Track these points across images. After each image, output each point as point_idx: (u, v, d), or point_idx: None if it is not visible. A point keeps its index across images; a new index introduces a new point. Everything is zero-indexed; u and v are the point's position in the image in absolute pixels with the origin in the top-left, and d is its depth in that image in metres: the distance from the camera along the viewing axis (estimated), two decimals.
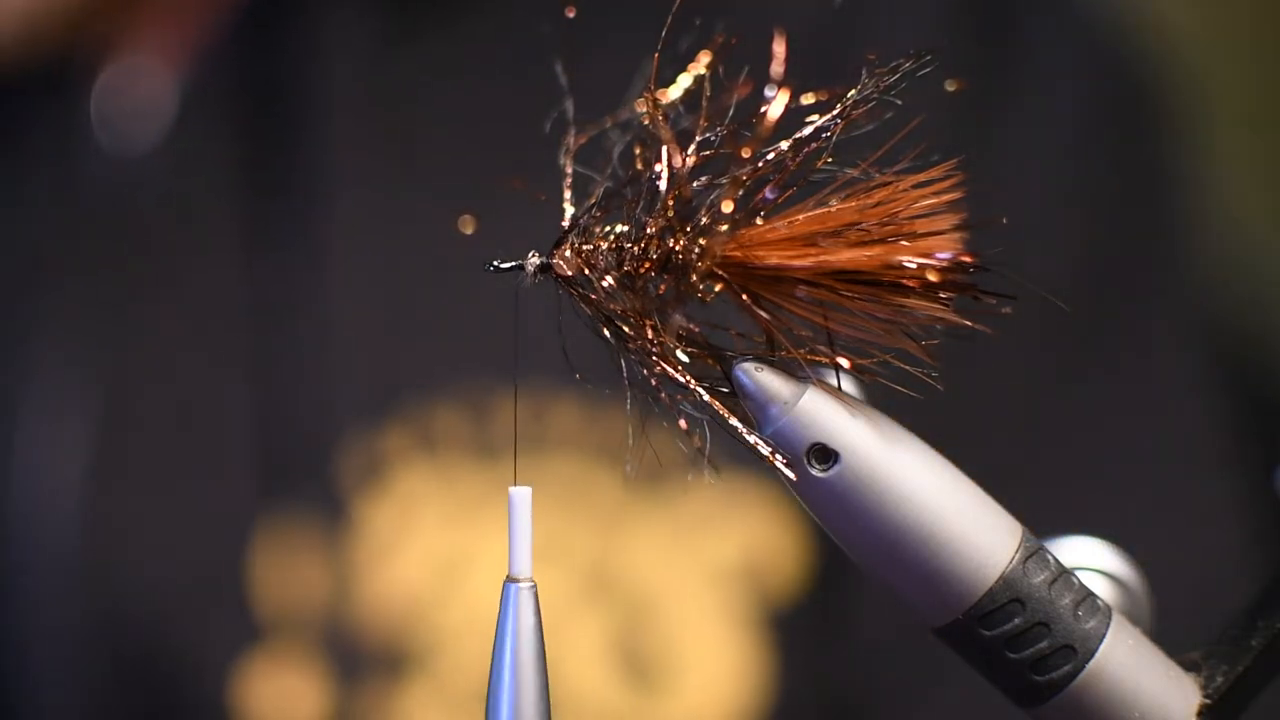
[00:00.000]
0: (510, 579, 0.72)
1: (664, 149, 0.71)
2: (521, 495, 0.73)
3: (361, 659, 1.38)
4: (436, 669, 1.38)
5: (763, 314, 0.70)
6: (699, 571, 1.39)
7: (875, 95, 0.71)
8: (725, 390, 0.71)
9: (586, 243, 0.73)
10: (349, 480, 1.40)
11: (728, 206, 0.70)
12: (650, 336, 0.71)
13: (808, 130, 0.71)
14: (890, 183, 0.70)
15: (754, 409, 0.70)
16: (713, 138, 0.72)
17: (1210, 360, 1.51)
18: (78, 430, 1.42)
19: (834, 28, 1.41)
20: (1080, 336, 1.46)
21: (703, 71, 0.73)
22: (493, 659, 0.71)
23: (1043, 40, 1.50)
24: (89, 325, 1.44)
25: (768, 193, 0.71)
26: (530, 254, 0.74)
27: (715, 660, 1.39)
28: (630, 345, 0.72)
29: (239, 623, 1.39)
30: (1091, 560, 0.78)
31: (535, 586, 0.72)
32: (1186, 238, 1.54)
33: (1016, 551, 0.69)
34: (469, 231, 0.87)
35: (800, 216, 0.70)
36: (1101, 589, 0.75)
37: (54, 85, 1.48)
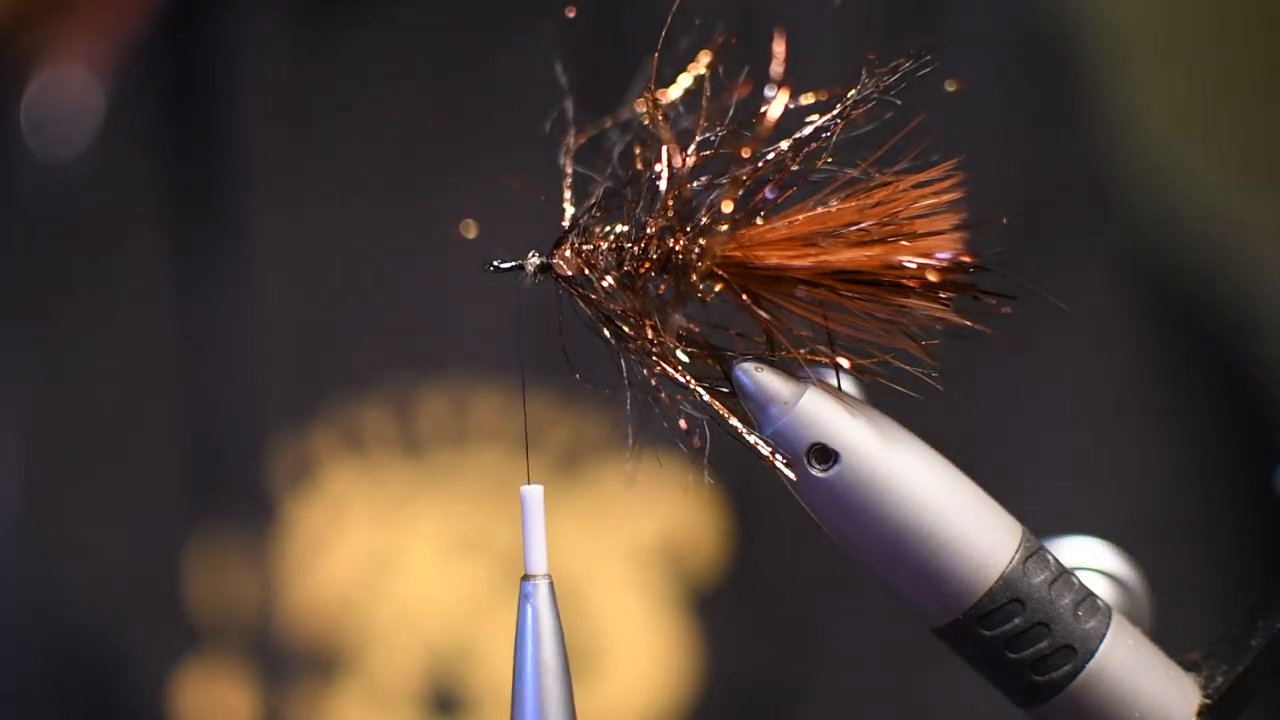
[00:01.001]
0: (526, 576, 0.72)
1: (664, 149, 0.71)
2: (534, 493, 0.73)
3: (294, 661, 1.38)
4: (367, 668, 1.39)
5: (763, 314, 0.70)
6: (619, 555, 1.39)
7: (875, 95, 0.71)
8: (725, 390, 0.71)
9: (586, 243, 0.73)
10: (278, 482, 1.40)
11: (728, 206, 0.70)
12: (650, 336, 0.71)
13: (808, 130, 0.71)
14: (890, 183, 0.70)
15: (754, 409, 0.70)
16: (713, 138, 0.72)
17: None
18: (6, 439, 1.42)
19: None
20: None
21: (703, 71, 0.73)
22: (515, 655, 0.71)
23: (967, 13, 1.49)
24: (14, 332, 1.45)
25: (768, 193, 0.71)
26: (530, 254, 0.74)
27: (639, 642, 1.40)
28: (630, 345, 0.72)
29: (173, 630, 1.39)
30: (1091, 560, 0.78)
31: (551, 581, 0.72)
32: (1113, 176, 1.53)
33: (1016, 551, 0.69)
34: (471, 236, 0.87)
35: (800, 216, 0.70)
36: (1101, 589, 0.75)
37: None
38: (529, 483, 0.73)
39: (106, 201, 1.47)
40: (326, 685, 1.38)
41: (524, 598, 0.72)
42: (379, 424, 1.41)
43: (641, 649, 1.40)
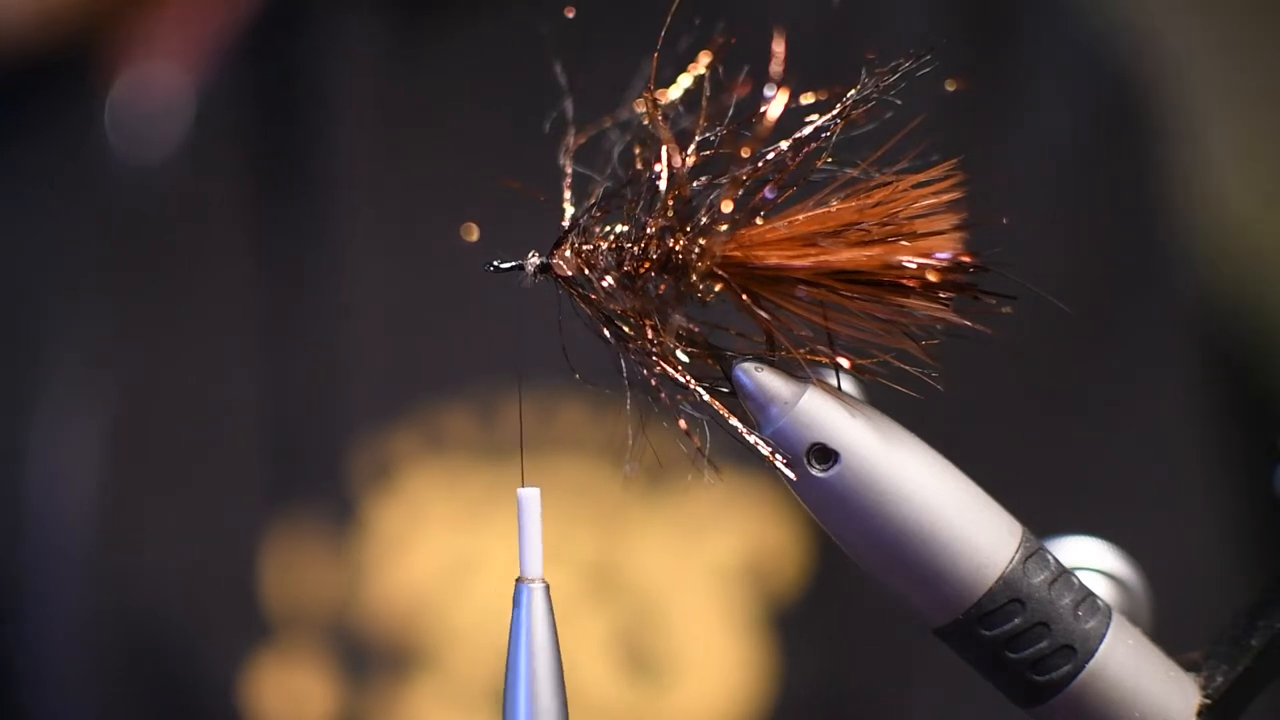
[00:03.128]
0: (521, 580, 0.72)
1: (664, 149, 0.71)
2: (530, 496, 0.73)
3: (369, 657, 1.39)
4: (444, 667, 1.39)
5: (763, 314, 0.70)
6: (701, 571, 1.39)
7: (875, 95, 0.71)
8: (725, 390, 0.71)
9: (586, 243, 0.73)
10: (358, 481, 1.41)
11: (727, 206, 0.70)
12: (650, 336, 0.71)
13: (807, 130, 0.71)
14: (890, 183, 0.70)
15: (754, 409, 0.70)
16: (712, 138, 0.72)
17: (1208, 356, 1.52)
18: (92, 430, 1.44)
19: (833, 30, 1.42)
20: (1076, 334, 1.46)
21: (702, 71, 0.73)
22: (508, 659, 0.71)
23: (1036, 39, 1.50)
24: (103, 326, 1.46)
25: (767, 193, 0.71)
26: (530, 254, 0.74)
27: (717, 658, 1.40)
28: (630, 345, 0.72)
29: (249, 621, 1.40)
30: (1091, 560, 0.78)
31: (547, 586, 0.72)
32: (1179, 231, 1.54)
33: (1016, 551, 0.69)
34: (473, 238, 0.87)
35: (800, 216, 0.70)
36: (1101, 589, 0.75)
37: (71, 82, 1.49)
38: (524, 485, 0.73)
39: (194, 200, 1.48)
40: (403, 682, 1.39)
41: (518, 601, 0.72)
42: (461, 427, 1.41)
43: (719, 662, 1.40)
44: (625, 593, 1.39)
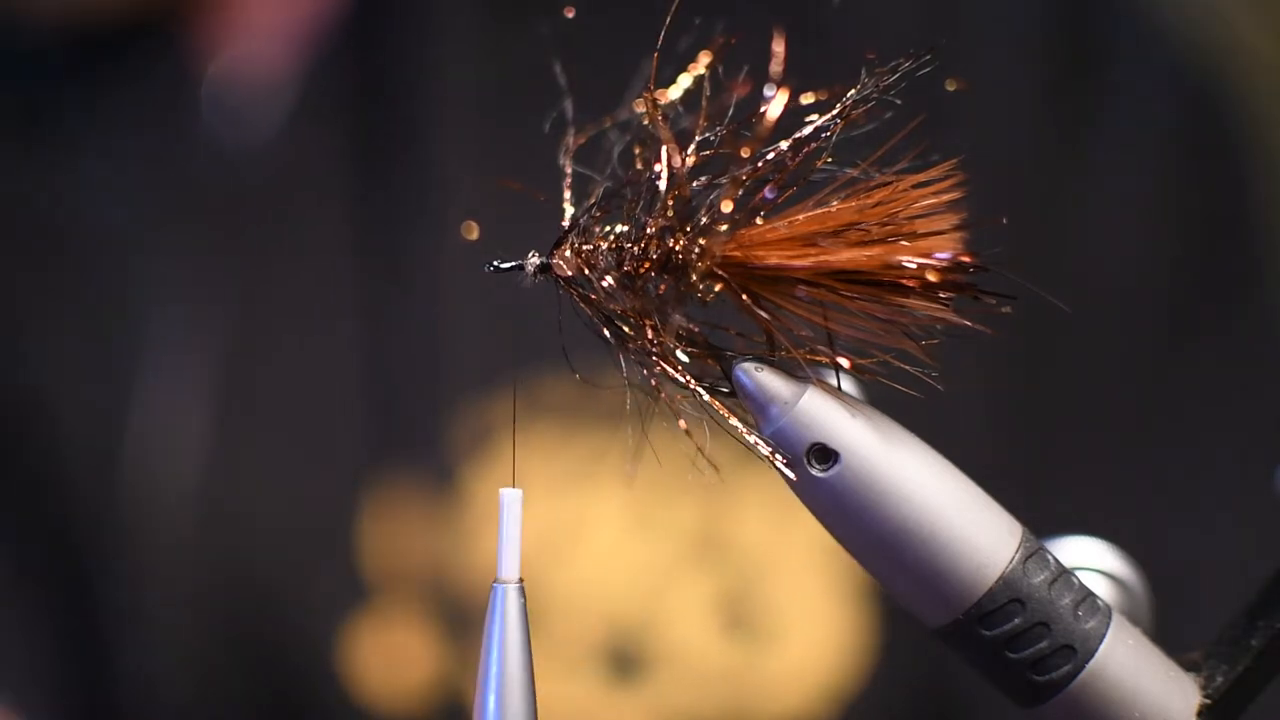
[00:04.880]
0: (498, 580, 0.72)
1: (664, 149, 0.71)
2: (512, 497, 0.73)
3: (469, 620, 1.41)
4: (544, 630, 1.41)
5: (763, 314, 0.70)
6: (803, 542, 1.41)
7: (875, 95, 0.71)
8: (725, 390, 0.71)
9: (586, 243, 0.73)
10: (458, 446, 1.43)
11: (727, 206, 0.70)
12: (650, 336, 0.71)
13: (807, 130, 0.71)
14: (890, 183, 0.70)
15: (754, 409, 0.70)
16: (712, 138, 0.72)
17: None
18: (195, 394, 1.46)
19: (921, 43, 1.43)
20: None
21: (702, 71, 0.73)
22: (481, 658, 0.71)
23: (1128, 63, 1.52)
24: (207, 290, 1.48)
25: (767, 193, 0.70)
26: (530, 254, 0.74)
27: (818, 625, 1.42)
28: (630, 345, 0.72)
29: (348, 582, 1.43)
30: (1091, 560, 0.78)
31: (522, 588, 0.72)
32: (1265, 245, 1.56)
33: (1016, 551, 0.69)
34: (473, 237, 0.87)
35: (800, 216, 0.70)
36: (1101, 589, 0.75)
37: (168, 54, 1.51)
38: (512, 485, 0.73)
39: (296, 176, 1.50)
40: None
41: (492, 602, 0.72)
42: (561, 395, 1.41)
43: (820, 629, 1.42)
44: (729, 560, 1.41)
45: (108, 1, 1.49)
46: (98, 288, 1.50)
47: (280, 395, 1.48)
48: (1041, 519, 0.75)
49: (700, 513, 1.41)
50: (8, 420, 1.49)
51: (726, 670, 1.41)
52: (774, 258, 0.69)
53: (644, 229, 0.72)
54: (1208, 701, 0.71)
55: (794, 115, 0.71)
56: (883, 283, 0.69)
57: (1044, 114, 1.48)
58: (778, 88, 0.71)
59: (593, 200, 0.73)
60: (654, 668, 1.40)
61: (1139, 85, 1.52)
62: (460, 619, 1.41)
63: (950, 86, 0.79)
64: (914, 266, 0.68)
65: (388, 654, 1.42)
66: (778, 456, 0.69)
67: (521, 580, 0.72)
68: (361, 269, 1.47)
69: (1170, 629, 0.76)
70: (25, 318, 1.50)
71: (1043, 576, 0.69)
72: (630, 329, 0.72)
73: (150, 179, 1.51)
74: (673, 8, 0.74)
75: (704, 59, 0.73)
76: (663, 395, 0.72)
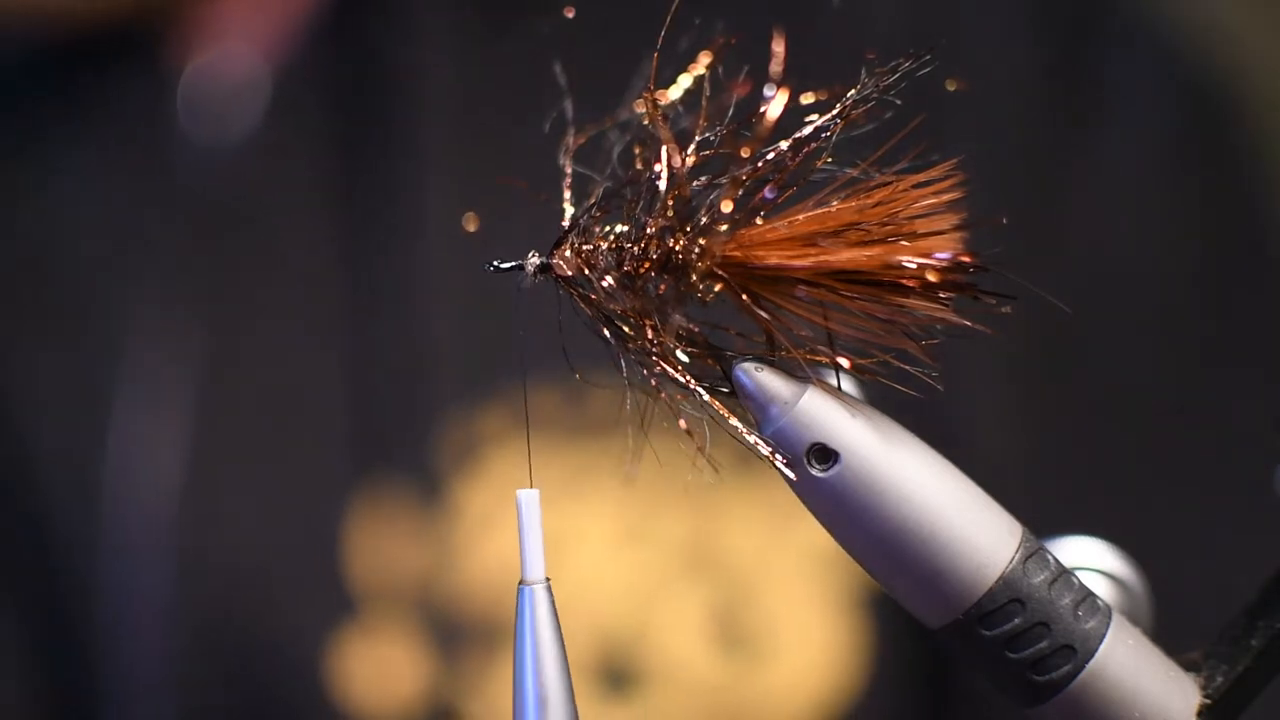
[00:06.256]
0: (524, 582, 0.72)
1: (664, 149, 0.71)
2: (530, 498, 0.73)
3: (458, 633, 1.40)
4: None
5: (763, 314, 0.70)
6: (795, 552, 1.41)
7: (875, 95, 0.71)
8: (725, 390, 0.71)
9: (586, 243, 0.73)
10: (445, 458, 1.42)
11: (727, 206, 0.70)
12: (650, 336, 0.71)
13: (807, 130, 0.71)
14: (890, 183, 0.70)
15: (754, 409, 0.70)
16: (712, 138, 0.72)
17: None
18: (175, 406, 1.45)
19: (917, 41, 1.43)
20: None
21: (702, 71, 0.73)
22: (515, 659, 0.71)
23: (1122, 63, 1.52)
24: (185, 302, 1.47)
25: (767, 193, 0.70)
26: (530, 254, 0.74)
27: (810, 636, 1.41)
28: (630, 345, 0.72)
29: (335, 596, 1.42)
30: (1091, 560, 0.78)
31: (549, 586, 0.72)
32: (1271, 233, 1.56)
33: (1016, 551, 0.69)
34: (472, 229, 0.87)
35: (800, 216, 0.70)
36: (1101, 589, 0.75)
37: (144, 61, 1.50)
38: (530, 486, 0.73)
39: (274, 180, 1.49)
40: (490, 657, 1.40)
41: (520, 604, 0.72)
42: (548, 406, 1.41)
43: (813, 640, 1.41)
44: (719, 571, 1.41)
45: (80, 7, 1.48)
46: (73, 296, 1.49)
47: (262, 404, 1.46)
48: (1042, 519, 0.75)
49: (691, 524, 1.40)
50: None
51: (719, 683, 1.40)
52: (774, 258, 0.69)
53: (644, 229, 0.72)
54: (1208, 701, 0.71)
55: (794, 115, 0.71)
56: (883, 283, 0.69)
57: (1042, 111, 1.48)
58: (778, 88, 0.71)
59: (593, 200, 0.73)
60: (646, 681, 1.40)
61: (1136, 78, 1.52)
62: (449, 632, 1.40)
63: (950, 86, 0.79)
64: (914, 266, 0.68)
65: (376, 667, 1.41)
66: (778, 456, 0.69)
67: (548, 579, 0.72)
68: (343, 274, 1.46)
69: (1170, 629, 0.76)
70: (0, 325, 1.49)
71: (1043, 576, 0.69)
72: (630, 329, 0.72)
73: (126, 185, 1.50)
74: (673, 8, 0.74)
75: (704, 59, 0.73)
76: (663, 395, 0.72)
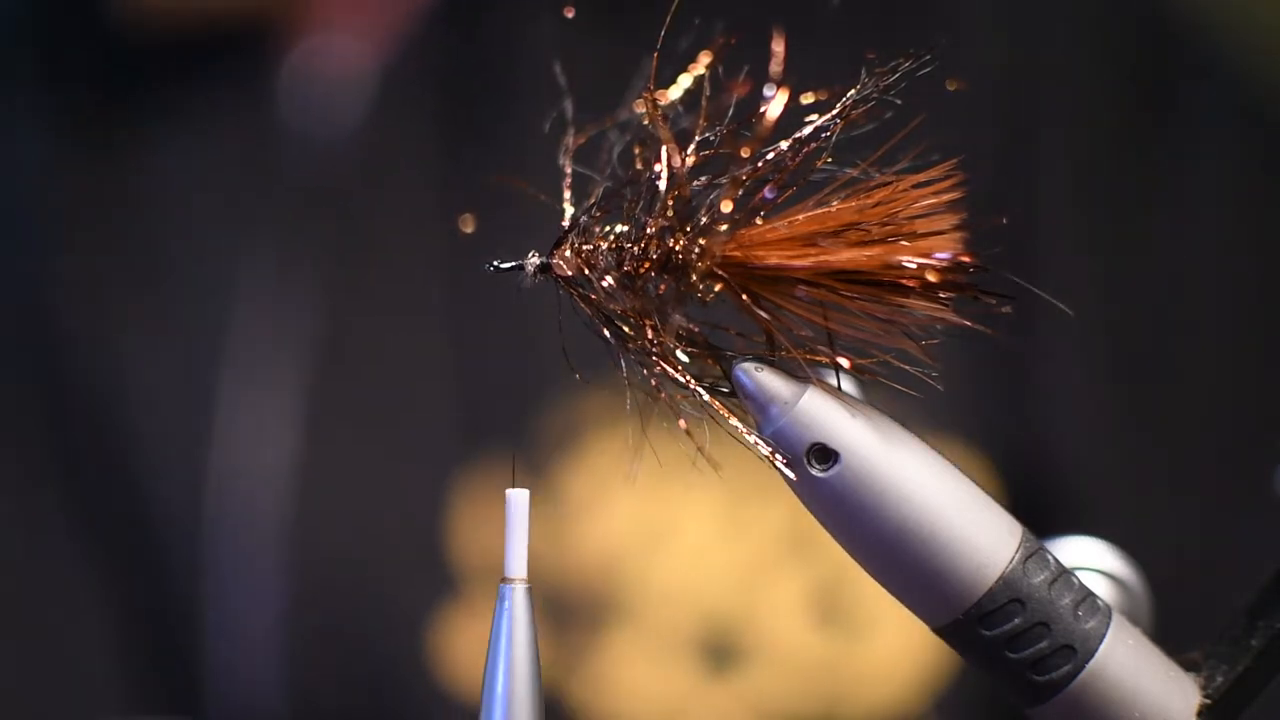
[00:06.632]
0: (505, 580, 0.72)
1: (664, 149, 0.71)
2: (518, 497, 0.73)
3: (559, 614, 1.42)
4: (639, 623, 1.42)
5: (763, 314, 0.70)
6: None
7: (875, 95, 0.71)
8: (725, 390, 0.71)
9: (586, 243, 0.73)
10: (548, 442, 1.44)
11: (727, 206, 0.70)
12: (650, 336, 0.71)
13: (807, 130, 0.71)
14: (890, 183, 0.70)
15: (754, 409, 0.70)
16: (712, 138, 0.72)
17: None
18: (283, 389, 1.47)
19: (1005, 83, 1.47)
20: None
21: (702, 71, 0.73)
22: (487, 657, 0.71)
23: (1199, 101, 1.55)
24: (292, 290, 1.48)
25: (767, 193, 0.70)
26: (530, 254, 0.74)
27: (909, 618, 1.41)
28: (630, 345, 0.72)
29: (437, 576, 1.44)
30: (1091, 560, 0.78)
31: (529, 587, 0.72)
32: None
33: (1016, 551, 0.69)
34: (469, 230, 0.87)
35: (800, 216, 0.70)
36: (1101, 589, 0.75)
37: (251, 53, 1.52)
38: (514, 485, 0.73)
39: (381, 170, 1.51)
40: (592, 639, 1.43)
41: (500, 601, 0.72)
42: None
43: (909, 619, 1.42)
44: (821, 554, 1.42)
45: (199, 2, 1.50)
46: (182, 283, 1.51)
47: (369, 389, 1.48)
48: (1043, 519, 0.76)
49: (791, 508, 1.42)
50: (93, 415, 1.49)
51: (819, 662, 1.42)
52: (774, 258, 0.69)
53: (644, 229, 0.72)
54: (1208, 701, 0.71)
55: (794, 115, 0.71)
56: (883, 283, 0.69)
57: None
58: (778, 88, 0.71)
59: (593, 200, 0.73)
60: (748, 660, 1.42)
61: (1209, 119, 1.54)
62: (552, 611, 1.42)
63: (951, 86, 0.79)
64: (914, 266, 0.68)
65: (480, 646, 1.43)
66: (778, 456, 0.69)
67: (528, 580, 0.72)
68: (450, 262, 1.48)
69: (1170, 629, 0.76)
70: (111, 314, 1.51)
71: (1043, 576, 0.69)
72: (630, 329, 0.72)
73: (237, 176, 1.52)
74: (673, 8, 0.74)
75: (704, 59, 0.73)
76: (663, 395, 0.72)
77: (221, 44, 1.51)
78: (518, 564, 0.72)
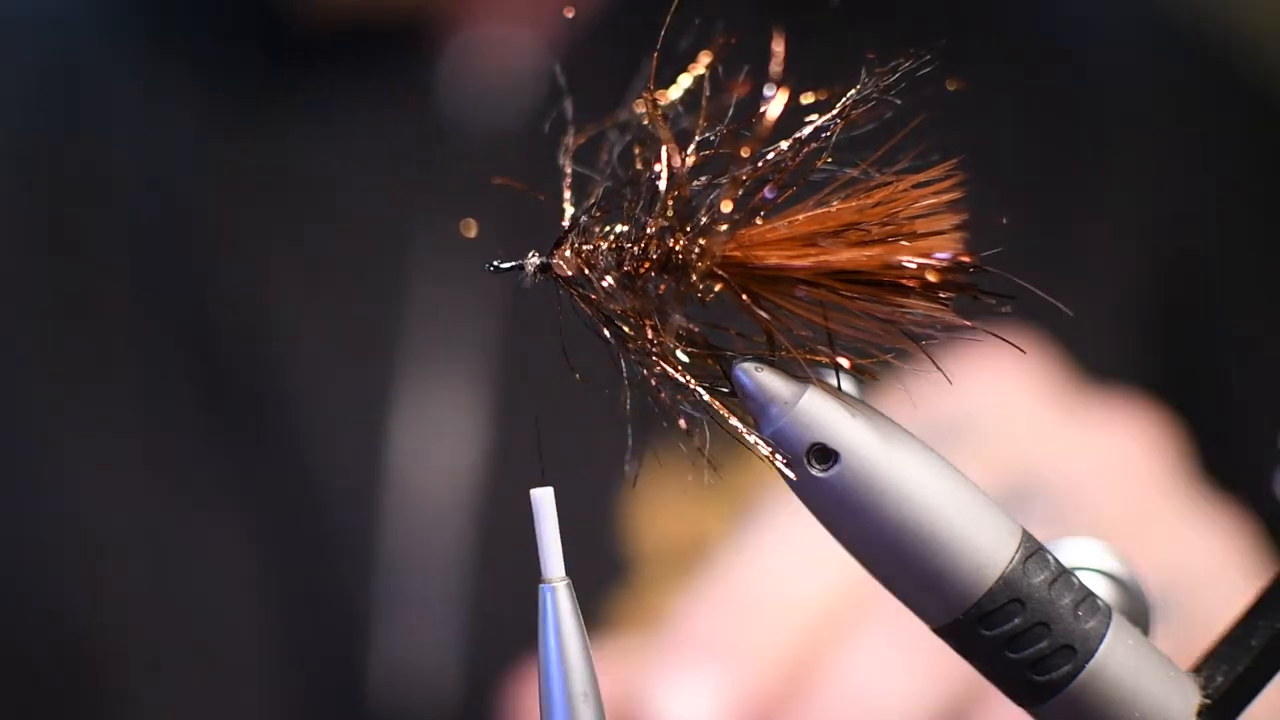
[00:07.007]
0: (544, 581, 0.71)
1: (664, 149, 0.71)
2: (544, 496, 0.72)
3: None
4: None
5: (763, 314, 0.70)
6: None
7: (875, 95, 0.71)
8: (725, 390, 0.71)
9: (586, 243, 0.73)
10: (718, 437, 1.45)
11: (727, 206, 0.70)
12: (650, 336, 0.71)
13: (807, 130, 0.71)
14: (890, 183, 0.70)
15: (754, 409, 0.70)
16: (712, 138, 0.72)
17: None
18: (458, 384, 1.48)
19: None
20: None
21: (702, 71, 0.73)
22: (540, 661, 0.70)
23: (1248, 114, 1.62)
24: (470, 276, 1.50)
25: (767, 193, 0.70)
26: (530, 254, 0.74)
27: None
28: (630, 345, 0.72)
29: (612, 562, 1.46)
30: (1091, 560, 0.78)
31: (570, 583, 0.72)
32: None
33: (1016, 551, 0.69)
34: (471, 235, 0.87)
35: (800, 216, 0.70)
36: (1101, 589, 0.75)
37: (419, 40, 1.53)
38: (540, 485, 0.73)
39: (547, 166, 1.51)
40: None
41: (543, 603, 0.71)
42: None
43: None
44: None
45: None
46: (353, 288, 1.52)
47: (543, 377, 1.50)
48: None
49: None
50: (266, 409, 1.51)
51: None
52: (774, 258, 0.69)
53: (644, 229, 0.72)
54: (1208, 701, 0.71)
55: (794, 115, 0.71)
56: (883, 283, 0.69)
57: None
58: (778, 88, 0.71)
59: (593, 200, 0.73)
60: None
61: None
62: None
63: (951, 86, 0.79)
64: (914, 266, 0.68)
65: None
66: (777, 456, 0.69)
67: (568, 578, 0.72)
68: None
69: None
70: (277, 307, 1.52)
71: (1043, 576, 0.69)
72: (630, 329, 0.72)
73: (408, 164, 1.53)
74: (673, 8, 0.74)
75: (704, 59, 0.73)
76: (663, 395, 0.72)
77: (388, 36, 1.52)
78: (554, 563, 0.71)
